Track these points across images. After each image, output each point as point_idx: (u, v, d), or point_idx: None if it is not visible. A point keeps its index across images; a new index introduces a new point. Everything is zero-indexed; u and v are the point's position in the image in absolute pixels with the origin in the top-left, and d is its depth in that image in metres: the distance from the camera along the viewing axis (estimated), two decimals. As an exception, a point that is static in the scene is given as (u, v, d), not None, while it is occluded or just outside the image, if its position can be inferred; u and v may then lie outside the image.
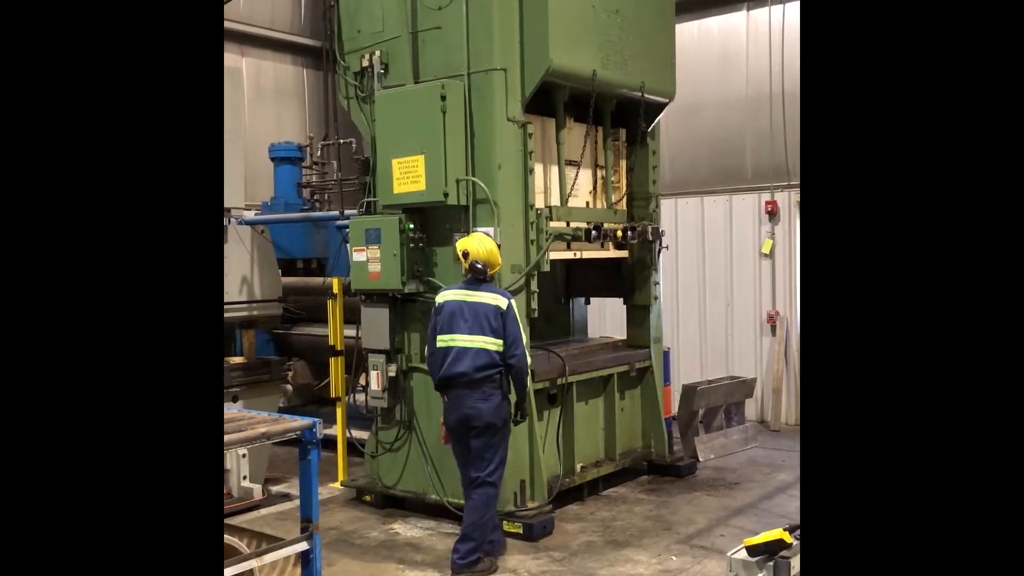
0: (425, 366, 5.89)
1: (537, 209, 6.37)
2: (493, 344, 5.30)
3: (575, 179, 6.88)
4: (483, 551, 5.38)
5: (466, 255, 5.45)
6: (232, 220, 7.45)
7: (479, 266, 5.41)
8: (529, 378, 5.60)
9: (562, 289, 8.19)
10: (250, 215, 9.40)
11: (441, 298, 5.51)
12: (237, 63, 11.08)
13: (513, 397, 5.50)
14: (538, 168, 6.55)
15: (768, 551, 3.60)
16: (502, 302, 5.36)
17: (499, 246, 5.70)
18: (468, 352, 5.29)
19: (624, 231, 7.04)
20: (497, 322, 5.30)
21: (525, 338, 5.47)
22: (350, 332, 7.23)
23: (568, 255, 6.94)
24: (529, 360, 5.54)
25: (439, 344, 5.39)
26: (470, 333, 5.30)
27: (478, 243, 5.48)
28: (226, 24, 10.39)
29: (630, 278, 7.70)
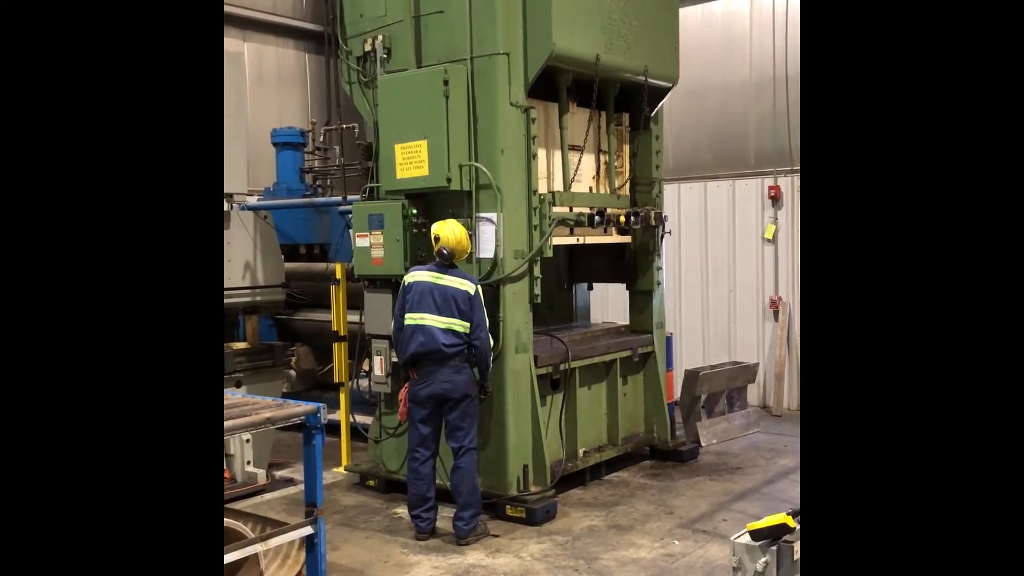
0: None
1: (540, 194, 6.36)
2: (460, 326, 5.61)
3: (578, 164, 6.86)
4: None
5: (437, 239, 5.74)
6: (235, 206, 7.43)
7: (445, 252, 5.72)
8: (491, 358, 5.87)
9: (565, 274, 8.18)
10: (253, 200, 9.38)
11: (410, 278, 5.77)
12: (239, 48, 11.02)
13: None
14: (541, 153, 6.53)
15: (771, 535, 3.60)
16: (471, 287, 5.67)
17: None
18: (438, 330, 5.57)
19: (627, 216, 7.03)
20: (465, 305, 5.62)
21: (488, 323, 5.76)
22: (353, 318, 7.24)
23: (571, 240, 6.94)
24: (491, 343, 5.79)
25: (408, 322, 5.69)
26: (439, 314, 5.60)
27: (449, 231, 5.76)
28: (228, 9, 10.35)
29: (633, 263, 7.70)
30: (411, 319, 5.66)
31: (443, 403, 5.66)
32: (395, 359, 6.50)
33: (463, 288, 5.64)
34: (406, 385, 5.84)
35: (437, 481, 5.87)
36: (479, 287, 5.74)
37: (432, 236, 5.81)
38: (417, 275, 5.75)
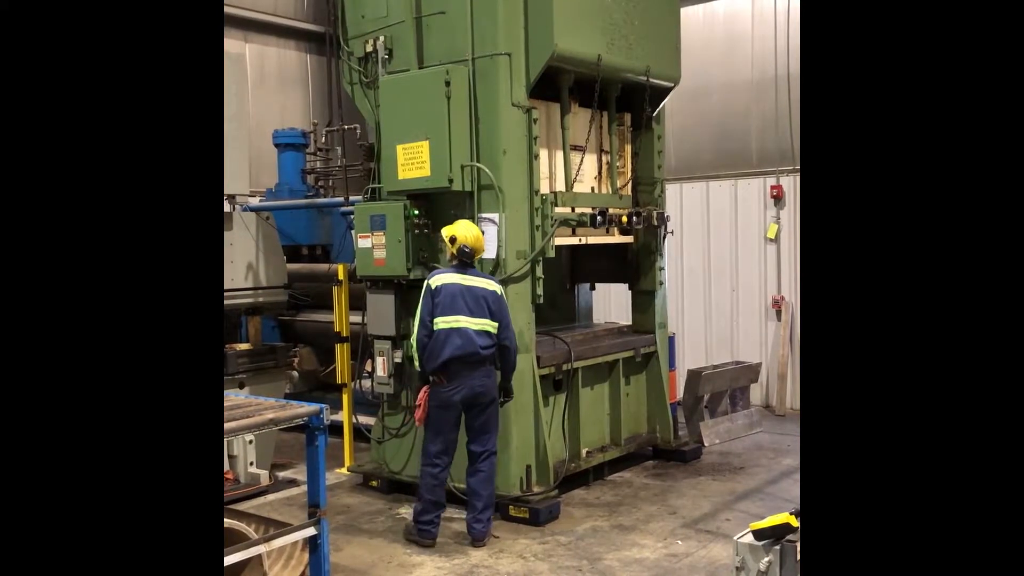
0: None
1: (542, 195, 6.35)
2: (491, 326, 5.58)
3: (580, 164, 6.85)
4: None
5: (453, 240, 5.67)
6: (237, 207, 7.44)
7: (467, 250, 5.65)
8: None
9: (567, 275, 8.18)
10: (255, 201, 9.39)
11: (438, 281, 5.63)
12: (240, 49, 11.04)
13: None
14: (543, 153, 6.53)
15: (774, 535, 3.60)
16: (497, 287, 5.67)
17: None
18: (473, 332, 5.52)
19: (629, 216, 7.03)
20: (496, 306, 5.59)
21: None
22: (356, 318, 7.24)
23: (573, 241, 6.93)
24: (517, 344, 5.82)
25: (441, 326, 5.53)
26: (472, 316, 5.53)
27: (466, 229, 5.72)
28: (229, 10, 10.37)
29: (635, 263, 7.69)
30: (444, 323, 5.52)
31: (472, 407, 5.59)
32: (398, 360, 6.51)
33: (491, 288, 5.61)
34: (425, 388, 5.67)
35: (459, 486, 5.90)
36: (502, 286, 5.73)
37: (447, 238, 5.71)
38: (444, 278, 5.63)
